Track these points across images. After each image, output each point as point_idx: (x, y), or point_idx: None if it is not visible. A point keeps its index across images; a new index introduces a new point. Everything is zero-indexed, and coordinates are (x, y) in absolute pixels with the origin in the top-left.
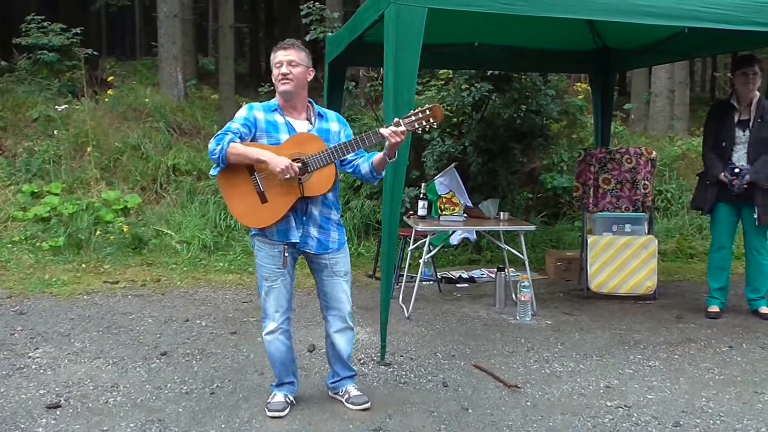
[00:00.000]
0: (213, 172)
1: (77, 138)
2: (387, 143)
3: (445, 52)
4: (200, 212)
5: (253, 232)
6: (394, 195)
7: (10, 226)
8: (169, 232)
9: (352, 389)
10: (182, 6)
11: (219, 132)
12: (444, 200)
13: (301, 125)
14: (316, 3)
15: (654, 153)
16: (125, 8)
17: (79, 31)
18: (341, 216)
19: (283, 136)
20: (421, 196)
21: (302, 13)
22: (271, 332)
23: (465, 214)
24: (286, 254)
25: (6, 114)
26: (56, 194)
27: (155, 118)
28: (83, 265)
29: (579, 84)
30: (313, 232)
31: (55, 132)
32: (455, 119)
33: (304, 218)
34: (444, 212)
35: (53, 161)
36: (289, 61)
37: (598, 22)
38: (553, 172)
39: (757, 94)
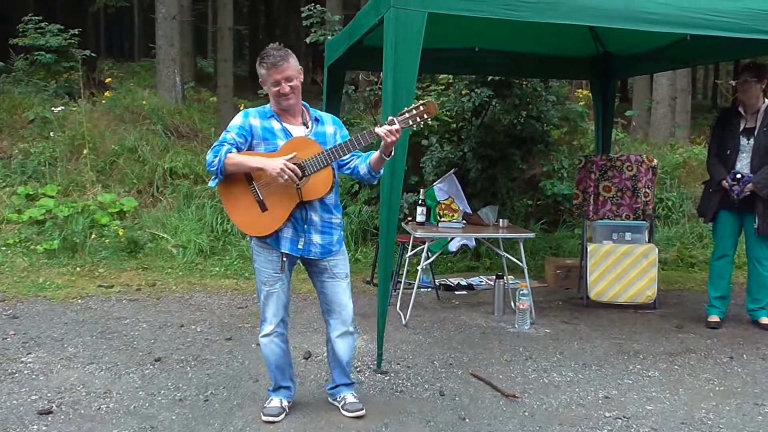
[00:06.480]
0: (212, 183)
1: (73, 140)
2: (383, 142)
3: (445, 56)
4: (197, 216)
5: (252, 237)
6: (392, 201)
7: (4, 229)
8: (164, 236)
9: (349, 396)
10: (181, 8)
11: (215, 143)
12: (443, 206)
13: (298, 130)
14: (317, 5)
15: (655, 161)
16: (123, 10)
17: (77, 32)
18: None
19: (281, 143)
20: (420, 202)
21: (303, 15)
22: (267, 335)
23: (464, 221)
24: (284, 259)
25: (2, 115)
26: (51, 197)
27: (152, 120)
28: (78, 269)
29: (580, 90)
30: (316, 238)
31: (52, 134)
32: (455, 125)
33: (305, 226)
34: (443, 219)
35: (49, 163)
36: (286, 78)
37: (600, 29)
38: (554, 178)
39: (766, 101)
